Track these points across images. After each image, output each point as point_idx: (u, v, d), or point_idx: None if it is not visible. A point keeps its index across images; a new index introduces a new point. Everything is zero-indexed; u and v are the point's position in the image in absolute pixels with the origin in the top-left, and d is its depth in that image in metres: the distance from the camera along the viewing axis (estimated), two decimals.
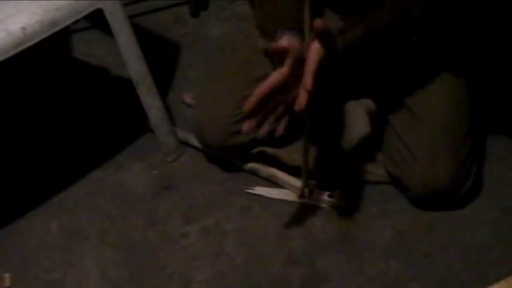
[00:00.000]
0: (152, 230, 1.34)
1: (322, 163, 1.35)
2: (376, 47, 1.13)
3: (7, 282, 1.26)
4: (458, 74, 1.30)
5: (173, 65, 1.71)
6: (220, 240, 1.31)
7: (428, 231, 1.29)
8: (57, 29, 1.18)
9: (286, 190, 1.37)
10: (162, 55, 1.73)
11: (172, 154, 1.47)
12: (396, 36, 1.15)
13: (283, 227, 1.32)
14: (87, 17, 1.23)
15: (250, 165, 1.40)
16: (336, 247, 1.28)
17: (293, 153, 1.35)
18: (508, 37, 1.54)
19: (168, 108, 1.49)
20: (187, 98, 1.58)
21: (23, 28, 1.14)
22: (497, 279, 1.02)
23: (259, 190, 1.38)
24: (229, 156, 1.41)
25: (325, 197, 1.34)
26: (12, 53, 1.14)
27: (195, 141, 1.45)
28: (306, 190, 1.34)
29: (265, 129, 1.08)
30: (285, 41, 1.07)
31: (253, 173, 1.40)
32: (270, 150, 1.37)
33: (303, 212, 1.34)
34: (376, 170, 1.36)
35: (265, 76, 1.12)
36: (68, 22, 1.20)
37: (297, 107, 1.02)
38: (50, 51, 1.69)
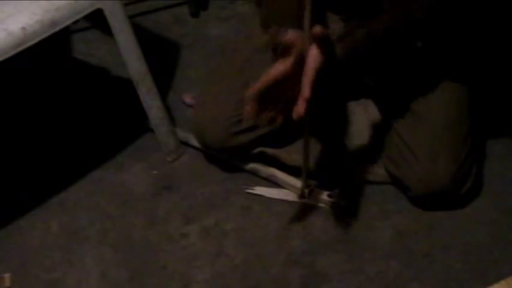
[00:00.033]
0: (152, 230, 1.34)
1: (322, 163, 1.35)
2: (377, 52, 1.13)
3: (7, 282, 1.26)
4: (459, 73, 1.30)
5: (173, 65, 1.71)
6: (220, 240, 1.31)
7: (428, 231, 1.29)
8: (57, 29, 1.18)
9: (286, 190, 1.37)
10: (162, 55, 1.73)
11: (172, 154, 1.47)
12: (397, 41, 1.15)
13: (283, 227, 1.32)
14: (87, 17, 1.23)
15: (250, 165, 1.40)
16: (336, 247, 1.28)
17: (293, 154, 1.35)
18: (508, 38, 1.54)
19: (168, 108, 1.49)
20: (187, 98, 1.58)
21: (23, 28, 1.14)
22: (497, 279, 1.02)
23: (259, 190, 1.38)
24: (229, 157, 1.41)
25: (325, 197, 1.34)
26: (12, 53, 1.14)
27: (195, 141, 1.45)
28: (306, 190, 1.34)
29: (265, 118, 1.08)
30: (290, 35, 1.07)
31: (253, 173, 1.40)
32: (270, 150, 1.37)
33: (303, 212, 1.34)
34: (376, 170, 1.36)
35: None
36: (68, 22, 1.20)
37: (295, 116, 1.02)
38: (50, 51, 1.69)
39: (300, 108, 1.01)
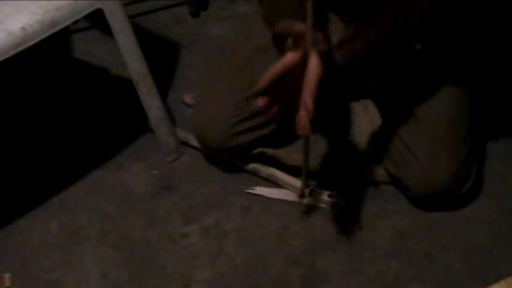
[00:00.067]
0: (152, 230, 1.34)
1: (322, 163, 1.35)
2: (377, 57, 1.13)
3: (7, 282, 1.26)
4: (458, 74, 1.30)
5: (173, 65, 1.71)
6: (220, 240, 1.31)
7: (428, 231, 1.29)
8: (57, 29, 1.18)
9: (286, 190, 1.37)
10: (162, 55, 1.73)
11: (172, 154, 1.47)
12: (396, 45, 1.14)
13: (283, 227, 1.32)
14: (87, 17, 1.22)
15: (250, 165, 1.40)
16: (336, 247, 1.28)
17: (293, 154, 1.35)
18: (507, 38, 1.54)
19: (168, 108, 1.49)
20: (187, 98, 1.58)
21: (23, 28, 1.14)
22: (497, 279, 1.02)
23: (259, 190, 1.38)
24: (229, 157, 1.41)
25: (325, 197, 1.34)
26: (12, 53, 1.14)
27: (195, 141, 1.45)
28: (306, 190, 1.34)
29: (275, 109, 1.08)
30: (302, 26, 1.06)
31: (253, 173, 1.40)
32: (270, 150, 1.37)
33: (303, 212, 1.34)
34: (376, 170, 1.36)
35: None
36: (68, 22, 1.20)
37: (300, 132, 1.03)
38: (50, 51, 1.69)
39: (303, 122, 1.01)
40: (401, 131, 1.28)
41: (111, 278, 1.26)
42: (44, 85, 1.67)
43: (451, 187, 1.25)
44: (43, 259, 1.30)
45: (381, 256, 1.26)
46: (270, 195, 1.37)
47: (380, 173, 1.35)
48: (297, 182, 1.35)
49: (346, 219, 1.32)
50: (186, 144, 1.48)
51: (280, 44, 1.07)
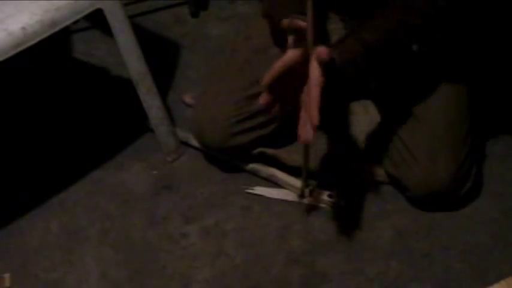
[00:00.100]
0: (152, 230, 1.34)
1: (322, 163, 1.35)
2: (376, 60, 1.13)
3: (7, 282, 1.26)
4: (458, 74, 1.30)
5: (173, 65, 1.71)
6: (220, 240, 1.31)
7: (428, 231, 1.29)
8: (57, 29, 1.18)
9: (286, 190, 1.37)
10: (162, 55, 1.73)
11: (172, 154, 1.47)
12: (395, 47, 1.14)
13: (283, 227, 1.32)
14: (87, 17, 1.23)
15: (250, 165, 1.40)
16: (336, 247, 1.28)
17: (293, 154, 1.35)
18: (507, 38, 1.54)
19: (168, 108, 1.49)
20: (187, 98, 1.58)
21: (23, 28, 1.14)
22: (497, 279, 1.02)
23: (259, 190, 1.38)
24: (229, 157, 1.41)
25: (325, 197, 1.34)
26: (12, 53, 1.14)
27: (195, 141, 1.45)
28: (306, 190, 1.34)
29: (277, 108, 1.08)
30: (299, 21, 1.06)
31: (253, 173, 1.40)
32: (270, 150, 1.37)
33: (303, 212, 1.34)
34: (376, 170, 1.36)
35: None
36: (68, 22, 1.20)
37: (303, 142, 1.03)
38: (50, 51, 1.69)
39: (308, 134, 1.01)
40: (401, 131, 1.28)
41: (111, 278, 1.26)
42: (44, 85, 1.67)
43: (451, 187, 1.25)
44: (43, 259, 1.30)
45: (380, 256, 1.26)
46: (270, 195, 1.37)
47: (380, 173, 1.35)
48: (297, 182, 1.35)
49: (346, 219, 1.32)
50: (186, 144, 1.48)
51: (280, 40, 1.07)
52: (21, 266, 1.29)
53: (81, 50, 1.78)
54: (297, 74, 1.04)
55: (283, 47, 1.10)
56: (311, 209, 1.34)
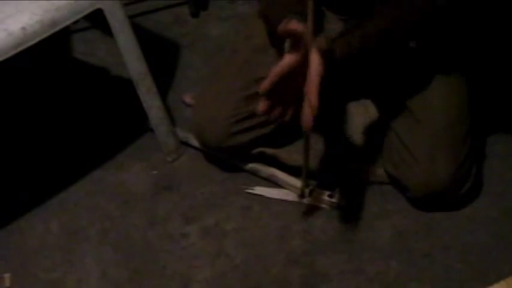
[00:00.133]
0: (152, 230, 1.34)
1: (322, 163, 1.35)
2: (374, 54, 1.13)
3: (7, 282, 1.26)
4: (458, 74, 1.30)
5: (173, 65, 1.71)
6: (220, 240, 1.31)
7: (428, 231, 1.29)
8: (57, 29, 1.18)
9: (286, 190, 1.37)
10: (162, 55, 1.73)
11: (172, 154, 1.47)
12: (393, 43, 1.15)
13: (283, 227, 1.32)
14: (87, 17, 1.23)
15: (250, 165, 1.40)
16: (335, 247, 1.28)
17: (293, 153, 1.35)
18: (508, 37, 1.54)
19: (168, 108, 1.49)
20: (187, 98, 1.58)
21: (23, 28, 1.14)
22: (497, 279, 1.02)
23: (259, 190, 1.38)
24: (229, 157, 1.41)
25: (325, 197, 1.34)
26: (12, 53, 1.14)
27: (195, 141, 1.45)
28: (306, 190, 1.34)
29: (276, 112, 1.09)
30: (296, 24, 1.07)
31: (253, 173, 1.40)
32: (270, 150, 1.37)
33: (303, 212, 1.34)
34: (376, 170, 1.36)
35: (265, 77, 1.12)
36: (68, 22, 1.20)
37: (304, 128, 1.04)
38: (50, 51, 1.69)
39: (308, 121, 1.02)
40: (401, 131, 1.28)
41: (111, 278, 1.26)
42: (44, 85, 1.67)
43: (451, 187, 1.25)
44: (43, 259, 1.30)
45: (380, 256, 1.26)
46: (270, 195, 1.37)
47: (380, 173, 1.35)
48: (297, 182, 1.35)
49: (346, 219, 1.32)
50: (186, 144, 1.48)
51: (277, 42, 1.08)
52: (21, 266, 1.29)
53: (81, 50, 1.78)
54: (294, 79, 1.05)
55: (279, 48, 1.11)
56: (311, 209, 1.34)
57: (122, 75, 1.60)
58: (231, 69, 1.35)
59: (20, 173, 1.47)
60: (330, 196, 1.34)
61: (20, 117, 1.59)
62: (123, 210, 1.38)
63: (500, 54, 1.55)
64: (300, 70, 1.04)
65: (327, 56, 1.02)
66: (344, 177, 1.37)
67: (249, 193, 1.38)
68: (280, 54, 1.07)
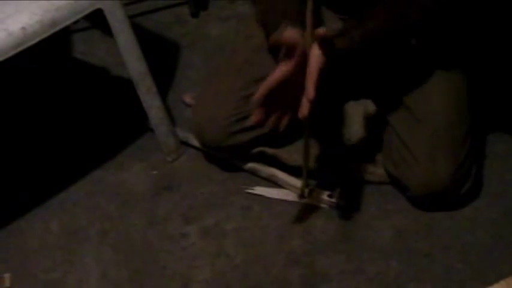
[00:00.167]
0: (152, 230, 1.34)
1: (322, 163, 1.35)
2: (375, 50, 1.14)
3: (7, 282, 1.26)
4: (458, 74, 1.30)
5: (173, 65, 1.71)
6: (220, 240, 1.31)
7: (428, 231, 1.29)
8: (57, 29, 1.18)
9: (286, 190, 1.37)
10: (162, 55, 1.73)
11: (172, 154, 1.47)
12: (394, 39, 1.15)
13: (283, 227, 1.32)
14: (87, 17, 1.23)
15: (250, 165, 1.40)
16: (335, 247, 1.28)
17: (293, 153, 1.35)
18: (508, 37, 1.54)
19: (168, 108, 1.49)
20: (187, 98, 1.58)
21: (23, 28, 1.14)
22: (497, 279, 1.02)
23: (259, 190, 1.38)
24: (229, 156, 1.41)
25: (325, 197, 1.34)
26: (12, 53, 1.14)
27: (195, 141, 1.45)
28: (306, 190, 1.34)
29: (271, 122, 1.09)
30: (290, 33, 1.07)
31: (253, 173, 1.40)
32: (270, 150, 1.37)
33: (303, 212, 1.34)
34: (376, 170, 1.36)
35: (264, 77, 1.12)
36: (68, 22, 1.20)
37: (300, 116, 1.05)
38: (50, 51, 1.69)
39: (304, 108, 1.03)
40: (401, 130, 1.28)
41: (111, 278, 1.26)
42: (44, 85, 1.67)
43: (451, 187, 1.25)
44: (43, 259, 1.30)
45: (380, 256, 1.26)
46: (270, 195, 1.37)
47: (380, 173, 1.35)
48: (297, 182, 1.35)
49: (346, 219, 1.32)
50: (186, 144, 1.48)
51: (274, 50, 1.09)
52: (21, 266, 1.29)
53: (81, 50, 1.78)
54: (289, 87, 1.06)
55: (276, 55, 1.12)
56: (311, 209, 1.34)
57: (122, 75, 1.60)
58: (231, 69, 1.35)
59: (20, 173, 1.47)
60: (330, 196, 1.34)
61: (20, 117, 1.59)
62: (123, 210, 1.38)
63: (500, 54, 1.55)
64: (295, 79, 1.05)
65: (327, 47, 1.02)
66: (344, 177, 1.37)
67: (249, 193, 1.38)
68: (276, 61, 1.08)
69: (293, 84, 1.06)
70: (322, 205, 1.34)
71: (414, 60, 1.27)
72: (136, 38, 1.30)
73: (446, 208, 1.31)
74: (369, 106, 1.37)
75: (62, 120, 1.57)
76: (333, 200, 1.33)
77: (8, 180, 1.45)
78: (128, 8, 1.72)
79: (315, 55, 1.03)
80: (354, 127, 1.37)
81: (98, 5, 1.22)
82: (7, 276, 1.27)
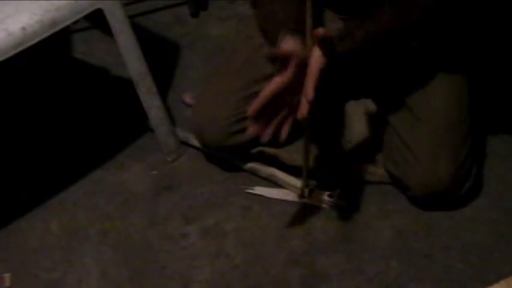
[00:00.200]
0: (152, 230, 1.34)
1: (323, 163, 1.35)
2: (376, 52, 1.14)
3: (7, 282, 1.26)
4: (459, 73, 1.30)
5: (173, 65, 1.71)
6: (220, 240, 1.31)
7: (428, 231, 1.29)
8: (57, 29, 1.18)
9: (286, 190, 1.37)
10: (162, 55, 1.73)
11: (172, 154, 1.47)
12: (395, 41, 1.15)
13: (283, 227, 1.32)
14: (87, 17, 1.23)
15: (250, 165, 1.40)
16: (335, 247, 1.28)
17: (293, 154, 1.35)
18: (508, 37, 1.54)
19: (168, 108, 1.49)
20: (187, 98, 1.58)
21: (23, 28, 1.14)
22: (497, 279, 1.02)
23: (259, 190, 1.38)
24: (229, 156, 1.41)
25: (325, 197, 1.34)
26: (12, 53, 1.14)
27: (195, 141, 1.45)
28: (306, 190, 1.34)
29: (269, 133, 1.09)
30: (287, 45, 1.08)
31: (253, 173, 1.40)
32: (270, 150, 1.37)
33: (303, 212, 1.34)
34: (376, 170, 1.36)
35: (265, 77, 1.12)
36: (68, 22, 1.20)
37: (299, 116, 1.05)
38: (50, 51, 1.69)
39: (303, 109, 1.04)
40: (402, 130, 1.28)
41: (111, 278, 1.26)
42: (44, 85, 1.67)
43: (451, 187, 1.25)
44: (43, 259, 1.30)
45: (380, 256, 1.26)
46: (270, 195, 1.37)
47: (380, 172, 1.35)
48: (297, 182, 1.35)
49: (346, 219, 1.32)
50: (186, 144, 1.48)
51: (272, 60, 1.09)
52: (21, 266, 1.29)
53: (81, 50, 1.78)
54: (287, 97, 1.06)
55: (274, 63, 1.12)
56: (311, 209, 1.34)
57: (122, 75, 1.60)
58: (231, 69, 1.35)
59: (20, 173, 1.47)
60: (330, 196, 1.34)
61: (20, 117, 1.59)
62: (123, 210, 1.38)
63: (501, 54, 1.55)
64: (292, 89, 1.05)
65: (327, 48, 1.02)
66: (344, 177, 1.37)
67: (249, 193, 1.38)
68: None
69: (292, 91, 1.06)
70: (322, 205, 1.34)
71: (416, 61, 1.27)
72: (136, 38, 1.30)
73: (446, 208, 1.31)
74: (369, 105, 1.37)
75: (61, 120, 1.57)
76: (333, 200, 1.33)
77: (8, 180, 1.45)
78: (128, 8, 1.72)
79: (316, 56, 1.03)
80: (354, 127, 1.37)
81: (98, 5, 1.22)
82: (7, 276, 1.27)
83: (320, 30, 1.00)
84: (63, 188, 1.42)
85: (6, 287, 1.25)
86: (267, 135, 1.10)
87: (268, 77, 1.09)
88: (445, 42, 1.28)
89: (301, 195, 1.35)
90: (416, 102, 1.28)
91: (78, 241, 1.33)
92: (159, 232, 1.33)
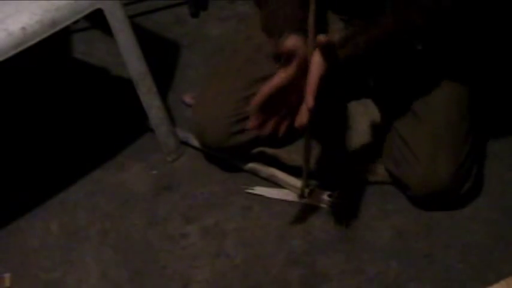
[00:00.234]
0: (152, 230, 1.34)
1: (323, 163, 1.35)
2: (378, 56, 1.14)
3: (7, 282, 1.26)
4: (459, 73, 1.30)
5: (173, 65, 1.71)
6: (220, 240, 1.31)
7: (428, 231, 1.29)
8: (57, 29, 1.18)
9: (286, 190, 1.37)
10: (162, 55, 1.73)
11: (172, 154, 1.47)
12: (398, 45, 1.15)
13: (283, 227, 1.32)
14: (87, 17, 1.23)
15: (250, 165, 1.40)
16: (335, 247, 1.28)
17: (293, 154, 1.35)
18: (508, 38, 1.54)
19: (168, 108, 1.49)
20: (187, 98, 1.58)
21: (23, 28, 1.14)
22: (497, 279, 1.02)
23: (259, 190, 1.38)
24: (229, 157, 1.41)
25: (325, 197, 1.34)
26: (12, 53, 1.14)
27: (195, 141, 1.45)
28: (306, 190, 1.34)
29: (268, 128, 1.09)
30: (291, 42, 1.07)
31: (253, 173, 1.40)
32: (270, 150, 1.37)
33: (303, 212, 1.34)
34: (376, 170, 1.36)
35: (265, 77, 1.12)
36: (68, 22, 1.20)
37: (297, 124, 1.05)
38: (50, 51, 1.69)
39: (303, 117, 1.03)
40: (402, 130, 1.29)
41: (111, 278, 1.26)
42: (44, 85, 1.67)
43: (451, 187, 1.25)
44: (43, 259, 1.30)
45: (380, 256, 1.26)
46: (270, 195, 1.37)
47: (380, 172, 1.35)
48: (297, 182, 1.35)
49: (346, 219, 1.32)
50: (186, 144, 1.48)
51: (276, 57, 1.09)
52: (21, 266, 1.29)
53: (81, 50, 1.78)
54: (288, 93, 1.06)
55: (278, 61, 1.12)
56: (311, 209, 1.34)
57: (122, 75, 1.60)
58: (231, 69, 1.35)
59: (20, 173, 1.47)
60: (330, 196, 1.34)
61: (20, 117, 1.59)
62: (123, 210, 1.38)
63: (501, 55, 1.55)
64: (294, 85, 1.05)
65: (328, 54, 1.02)
66: (344, 177, 1.37)
67: (249, 193, 1.38)
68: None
69: (293, 90, 1.07)
70: (322, 205, 1.34)
71: (419, 64, 1.27)
72: (136, 38, 1.30)
73: (446, 208, 1.31)
74: (370, 105, 1.37)
75: (62, 120, 1.57)
76: (333, 200, 1.33)
77: (8, 180, 1.45)
78: (128, 8, 1.72)
79: (316, 62, 1.03)
80: (355, 127, 1.37)
81: (98, 5, 1.22)
82: (7, 276, 1.27)
83: (322, 38, 0.99)
84: (63, 188, 1.42)
85: (6, 287, 1.25)
86: (266, 130, 1.10)
87: (269, 77, 1.09)
88: (448, 44, 1.28)
89: (301, 195, 1.35)
90: (417, 102, 1.28)
91: (78, 241, 1.33)
92: (159, 232, 1.34)
